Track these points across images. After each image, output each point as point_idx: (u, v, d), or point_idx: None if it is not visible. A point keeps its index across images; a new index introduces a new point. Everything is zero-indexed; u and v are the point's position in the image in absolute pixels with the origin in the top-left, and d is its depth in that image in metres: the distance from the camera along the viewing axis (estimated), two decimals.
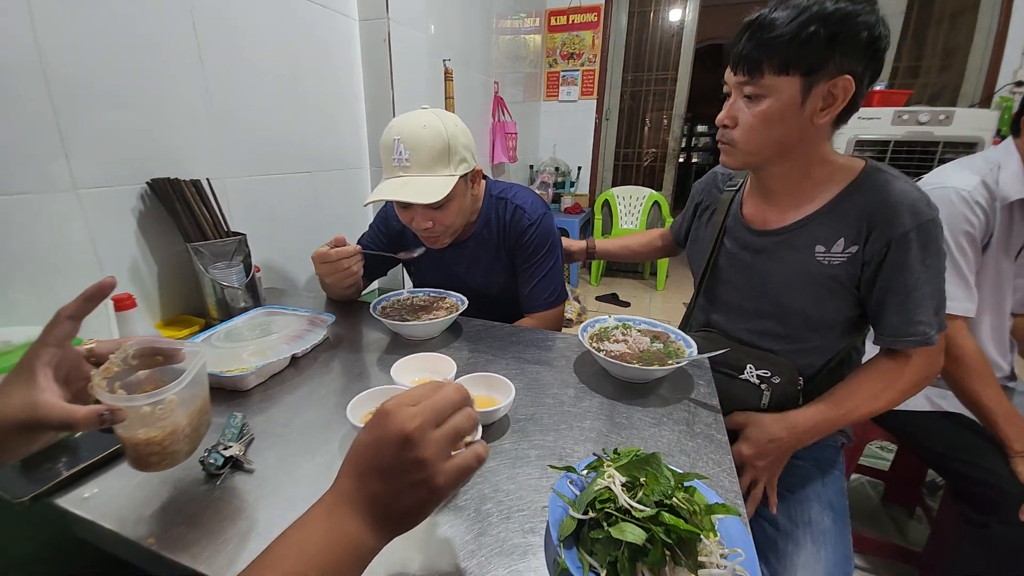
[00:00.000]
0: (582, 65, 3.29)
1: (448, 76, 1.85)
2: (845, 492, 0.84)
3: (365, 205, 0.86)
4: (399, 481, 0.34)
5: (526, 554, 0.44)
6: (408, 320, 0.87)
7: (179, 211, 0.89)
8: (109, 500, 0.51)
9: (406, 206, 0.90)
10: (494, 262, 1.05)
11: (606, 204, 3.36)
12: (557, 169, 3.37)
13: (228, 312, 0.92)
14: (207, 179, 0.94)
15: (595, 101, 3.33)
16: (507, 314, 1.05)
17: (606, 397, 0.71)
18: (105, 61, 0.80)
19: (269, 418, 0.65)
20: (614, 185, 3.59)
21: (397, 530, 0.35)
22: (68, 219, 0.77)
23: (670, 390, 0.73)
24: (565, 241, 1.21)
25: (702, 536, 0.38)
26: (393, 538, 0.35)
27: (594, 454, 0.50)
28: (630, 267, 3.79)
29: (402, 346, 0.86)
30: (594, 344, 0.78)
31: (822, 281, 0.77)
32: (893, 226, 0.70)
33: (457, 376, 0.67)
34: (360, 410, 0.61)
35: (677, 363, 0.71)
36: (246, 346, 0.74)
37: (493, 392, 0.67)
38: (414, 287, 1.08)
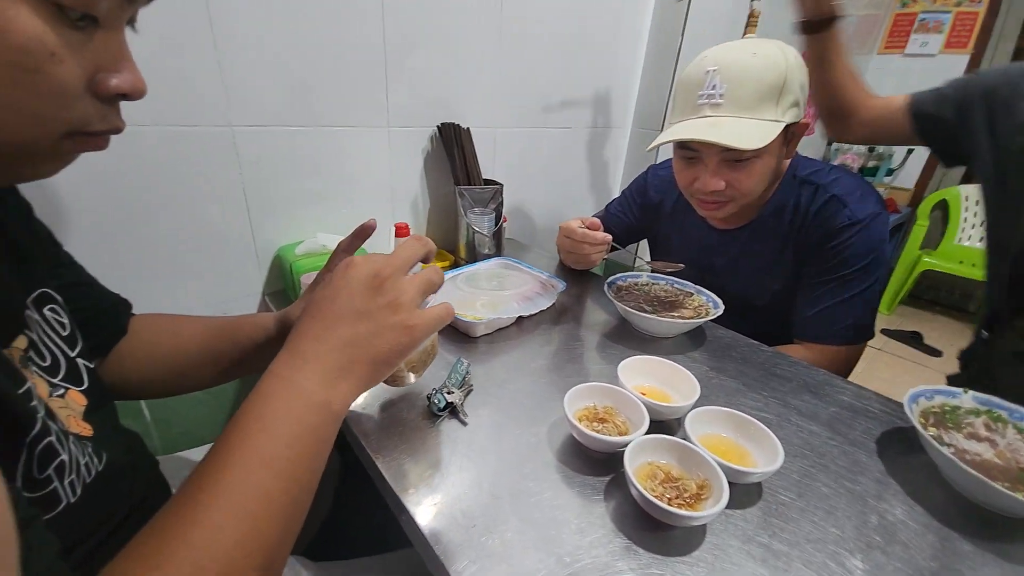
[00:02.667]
0: (958, 5, 2.30)
1: (751, 22, 1.51)
2: None
3: (648, 149, 0.74)
4: (374, 322, 0.33)
5: None
6: (646, 312, 0.74)
7: (455, 155, 0.96)
8: (360, 406, 0.57)
9: (691, 162, 0.74)
10: (773, 263, 0.81)
11: (941, 206, 2.38)
12: (871, 150, 2.51)
13: (474, 256, 0.97)
14: (471, 127, 0.98)
15: (967, 57, 2.30)
16: (767, 332, 0.81)
17: (934, 517, 0.45)
18: (425, 8, 0.87)
19: (489, 373, 0.64)
20: (966, 181, 2.41)
21: (369, 378, 0.35)
22: (379, 151, 0.91)
23: None
24: None
25: None
26: (364, 390, 0.35)
27: None
28: (948, 295, 2.67)
29: (628, 336, 0.75)
30: (931, 428, 0.50)
31: None
32: None
33: (697, 405, 0.52)
34: (577, 403, 0.53)
35: None
36: (481, 295, 0.75)
37: (744, 439, 0.50)
38: (653, 271, 0.93)
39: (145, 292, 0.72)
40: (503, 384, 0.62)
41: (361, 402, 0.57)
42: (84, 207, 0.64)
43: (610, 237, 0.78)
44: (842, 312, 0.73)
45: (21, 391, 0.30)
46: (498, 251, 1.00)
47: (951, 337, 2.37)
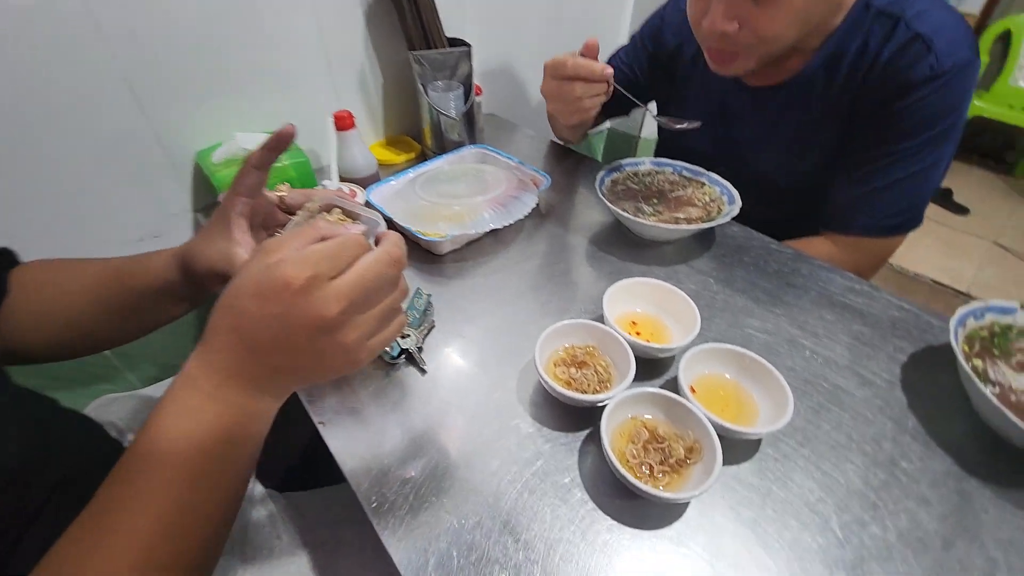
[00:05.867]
0: None
1: None
2: None
3: None
4: (315, 360, 0.28)
5: None
6: (644, 214, 0.62)
7: (404, 7, 0.73)
8: None
9: None
10: (817, 130, 0.63)
11: (1003, 39, 1.99)
12: None
13: (442, 144, 0.81)
14: None
15: None
16: (788, 219, 0.69)
17: (983, 479, 0.39)
18: None
19: (454, 302, 0.55)
20: None
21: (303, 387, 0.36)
22: (299, 10, 0.68)
23: None
24: None
25: None
26: None
27: None
28: (990, 141, 2.38)
29: (624, 240, 0.64)
30: (975, 359, 0.42)
31: None
32: None
33: (695, 343, 0.44)
34: (554, 343, 0.45)
35: None
36: (445, 205, 0.62)
37: (749, 381, 0.43)
38: (661, 127, 0.76)
39: (49, 232, 0.61)
40: (472, 319, 0.53)
41: None
42: None
43: (609, 69, 0.57)
44: (894, 196, 0.58)
45: None
46: (472, 136, 0.83)
47: (983, 193, 2.18)
